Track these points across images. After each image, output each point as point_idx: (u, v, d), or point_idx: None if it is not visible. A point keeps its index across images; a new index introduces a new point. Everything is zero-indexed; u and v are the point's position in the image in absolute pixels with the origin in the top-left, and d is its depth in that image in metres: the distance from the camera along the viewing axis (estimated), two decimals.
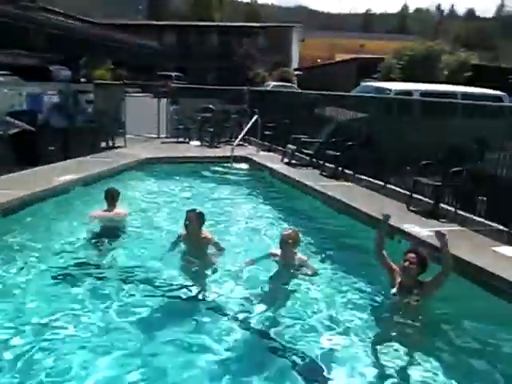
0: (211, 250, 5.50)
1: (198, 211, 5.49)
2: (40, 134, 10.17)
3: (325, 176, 9.83)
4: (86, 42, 11.16)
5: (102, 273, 5.14)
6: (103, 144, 12.37)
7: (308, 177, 9.57)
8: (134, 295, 4.68)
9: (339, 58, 42.36)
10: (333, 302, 4.68)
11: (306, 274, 5.03)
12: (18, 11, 9.26)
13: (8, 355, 3.59)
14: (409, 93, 11.54)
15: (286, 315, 4.44)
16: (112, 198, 6.55)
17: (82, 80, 14.24)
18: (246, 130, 12.74)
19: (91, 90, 13.27)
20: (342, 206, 7.59)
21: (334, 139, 10.17)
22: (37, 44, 10.76)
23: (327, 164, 10.19)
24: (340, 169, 9.84)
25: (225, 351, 3.83)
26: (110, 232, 6.24)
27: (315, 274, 5.09)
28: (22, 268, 5.10)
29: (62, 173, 8.56)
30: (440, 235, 4.17)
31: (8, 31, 9.33)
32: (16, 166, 8.74)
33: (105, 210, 6.53)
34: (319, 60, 46.47)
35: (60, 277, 4.98)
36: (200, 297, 4.75)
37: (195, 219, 5.36)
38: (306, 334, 4.10)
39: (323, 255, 5.84)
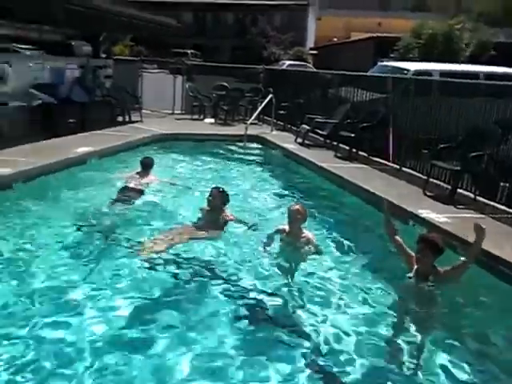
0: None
1: (221, 189, 5.65)
2: (61, 107, 10.35)
3: (339, 157, 9.75)
4: (106, 18, 11.15)
5: (118, 244, 5.21)
6: (120, 118, 12.44)
7: (321, 158, 9.48)
8: (147, 268, 4.69)
9: (356, 36, 41.38)
10: (339, 283, 4.63)
11: (310, 252, 4.96)
12: None
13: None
14: (428, 73, 11.31)
15: (293, 295, 4.38)
16: (147, 166, 7.15)
17: (102, 55, 14.31)
18: (260, 108, 12.67)
19: (110, 65, 13.37)
20: (355, 188, 7.49)
21: (348, 120, 10.07)
22: (57, 18, 10.79)
23: (341, 145, 10.11)
24: (354, 150, 9.76)
25: (229, 331, 3.76)
26: (132, 197, 6.51)
27: (319, 252, 5.03)
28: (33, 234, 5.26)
29: (80, 144, 8.77)
30: (479, 228, 3.93)
31: (29, 3, 9.32)
32: (38, 136, 8.98)
33: (137, 174, 7.08)
34: (335, 39, 45.50)
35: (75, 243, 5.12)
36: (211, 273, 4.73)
37: (218, 196, 5.53)
38: (313, 315, 4.07)
39: (334, 236, 5.77)
